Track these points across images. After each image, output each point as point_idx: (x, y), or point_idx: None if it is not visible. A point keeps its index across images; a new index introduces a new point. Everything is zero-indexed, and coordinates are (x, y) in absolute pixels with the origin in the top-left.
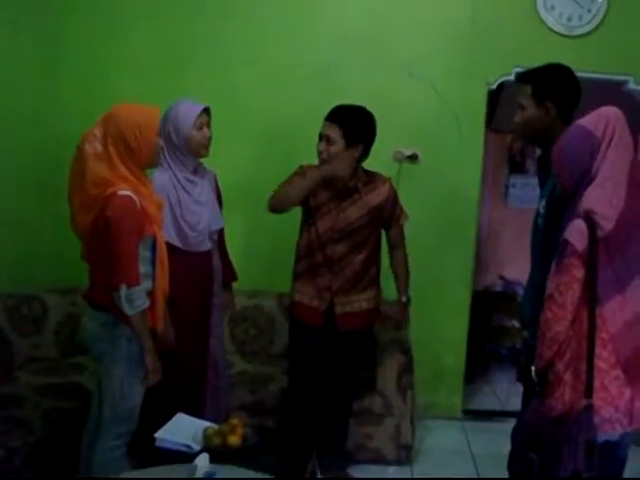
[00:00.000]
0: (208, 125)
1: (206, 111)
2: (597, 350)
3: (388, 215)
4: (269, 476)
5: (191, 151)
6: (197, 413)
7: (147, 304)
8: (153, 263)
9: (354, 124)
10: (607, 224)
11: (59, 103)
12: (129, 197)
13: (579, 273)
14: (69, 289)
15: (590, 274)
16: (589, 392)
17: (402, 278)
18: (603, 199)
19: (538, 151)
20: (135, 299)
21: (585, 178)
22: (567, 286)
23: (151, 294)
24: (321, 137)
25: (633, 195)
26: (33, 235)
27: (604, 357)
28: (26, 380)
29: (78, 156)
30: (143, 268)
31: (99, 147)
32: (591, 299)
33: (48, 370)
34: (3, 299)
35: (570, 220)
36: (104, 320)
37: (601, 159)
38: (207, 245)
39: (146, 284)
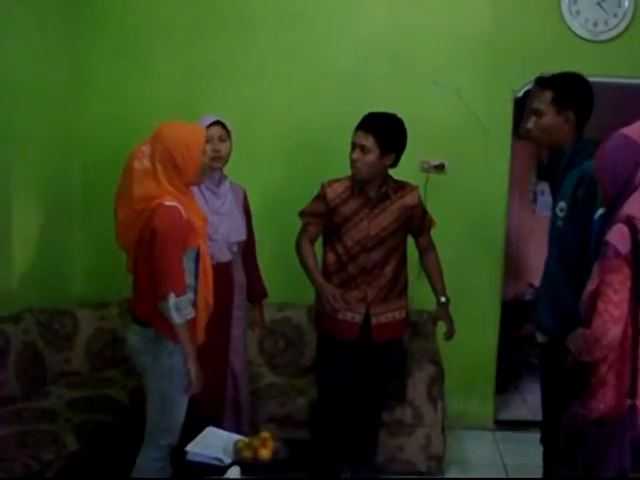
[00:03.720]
0: (221, 139)
1: (219, 124)
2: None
3: (418, 222)
4: None
5: None
6: (214, 427)
7: (194, 314)
8: (196, 276)
9: (388, 132)
10: None
11: (85, 122)
12: (175, 208)
13: (629, 273)
14: (99, 304)
15: (633, 276)
16: (633, 393)
17: (438, 279)
18: None
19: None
20: (183, 308)
21: (628, 186)
22: (622, 284)
23: (193, 306)
24: (354, 146)
25: None
26: (62, 252)
27: None
28: (58, 394)
29: (126, 173)
30: (187, 280)
31: (147, 164)
32: (635, 301)
33: (79, 384)
34: (35, 314)
35: (611, 224)
36: (146, 335)
37: None
38: (226, 256)
39: (190, 295)
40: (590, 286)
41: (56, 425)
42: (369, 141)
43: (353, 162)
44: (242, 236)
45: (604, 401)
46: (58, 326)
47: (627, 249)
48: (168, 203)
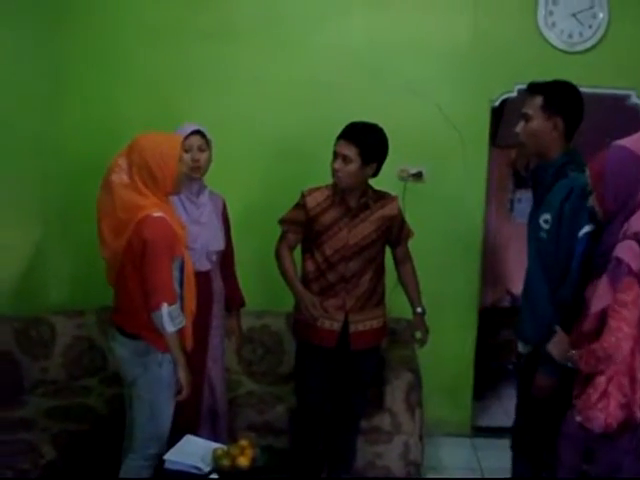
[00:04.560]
0: (201, 149)
1: (199, 134)
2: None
3: (396, 232)
4: None
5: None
6: (191, 435)
7: (185, 322)
8: (180, 284)
9: (370, 143)
10: None
11: (63, 128)
12: (163, 219)
13: (639, 290)
14: (76, 312)
15: None
16: None
17: (414, 290)
18: None
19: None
20: (175, 317)
21: (630, 201)
22: (634, 303)
23: None
24: (336, 155)
25: None
26: (38, 259)
27: None
28: (35, 403)
29: (105, 186)
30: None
31: (125, 178)
32: None
33: (57, 393)
34: (11, 322)
35: (614, 240)
36: (135, 347)
37: None
38: (205, 265)
39: (179, 303)
40: (599, 303)
41: (33, 434)
42: (351, 151)
43: (335, 171)
44: (221, 246)
45: (607, 412)
46: (35, 334)
47: (638, 266)
48: (155, 214)
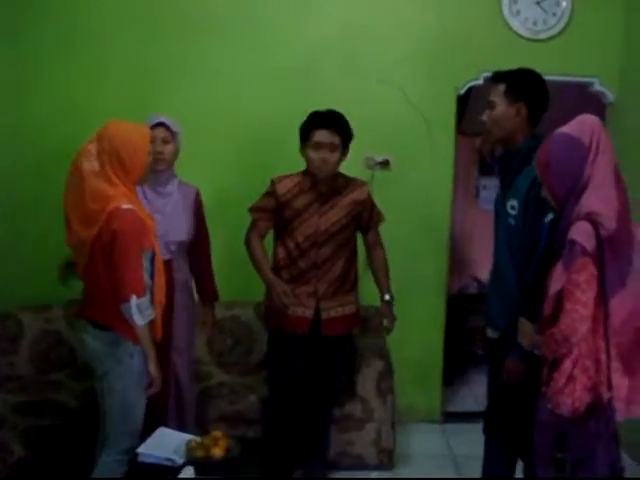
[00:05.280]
0: (164, 140)
1: (163, 126)
2: (603, 344)
3: (367, 217)
4: None
5: None
6: (157, 426)
7: (154, 314)
8: (151, 275)
9: (347, 129)
10: (610, 223)
11: (34, 118)
12: (133, 211)
13: (595, 271)
14: (42, 306)
15: (600, 272)
16: (610, 385)
17: (384, 276)
18: (603, 201)
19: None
20: (144, 309)
21: (577, 184)
22: (588, 284)
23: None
24: (320, 145)
25: (619, 193)
26: (3, 253)
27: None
28: (2, 399)
29: (74, 172)
30: (145, 280)
31: (96, 165)
32: (603, 296)
33: (24, 388)
34: None
35: (568, 223)
36: (107, 339)
37: (592, 164)
38: (164, 255)
39: (148, 295)
40: (555, 286)
41: (2, 432)
42: (336, 139)
43: (322, 161)
44: (182, 236)
45: (573, 396)
46: (1, 330)
47: (592, 246)
48: (125, 206)
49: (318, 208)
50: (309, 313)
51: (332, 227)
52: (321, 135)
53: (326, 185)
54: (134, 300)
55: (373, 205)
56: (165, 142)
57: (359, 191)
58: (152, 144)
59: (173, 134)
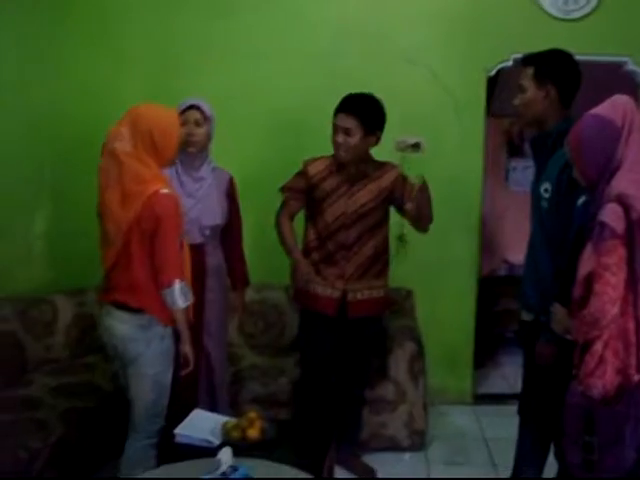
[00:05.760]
0: (197, 123)
1: (196, 109)
2: (633, 326)
3: (400, 193)
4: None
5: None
6: (190, 409)
7: (193, 298)
8: None
9: (370, 113)
10: None
11: (57, 104)
12: (172, 195)
13: (624, 254)
14: (76, 290)
15: (630, 254)
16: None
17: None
18: (634, 183)
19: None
20: (187, 292)
21: (609, 165)
22: (618, 267)
23: None
24: (336, 129)
25: None
26: (36, 240)
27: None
28: (41, 382)
29: (108, 154)
30: None
31: (129, 147)
32: (633, 278)
33: (61, 371)
34: (13, 303)
35: (599, 205)
36: (140, 322)
37: (624, 146)
38: (197, 239)
39: None
40: (584, 268)
41: (41, 413)
42: (352, 123)
43: (337, 145)
44: (216, 220)
45: (604, 378)
46: (37, 314)
47: (622, 228)
48: (164, 191)
49: (347, 190)
50: (336, 294)
51: (361, 209)
52: (338, 119)
53: (354, 167)
54: (177, 284)
55: (405, 182)
56: (197, 125)
57: (388, 175)
58: (184, 126)
59: (206, 117)
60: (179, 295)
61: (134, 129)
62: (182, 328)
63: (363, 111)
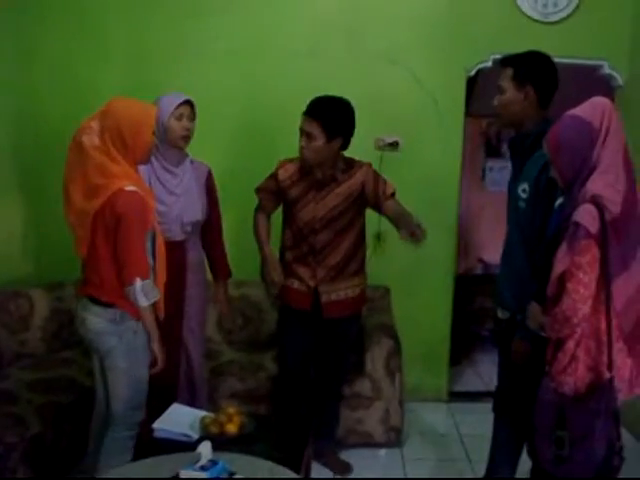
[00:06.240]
0: (190, 119)
1: (189, 104)
2: (605, 326)
3: (372, 193)
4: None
5: (169, 141)
6: (169, 403)
7: (159, 295)
8: (153, 255)
9: (333, 118)
10: (615, 207)
11: (36, 99)
12: (136, 192)
13: (598, 254)
14: (54, 284)
15: (603, 255)
16: (610, 365)
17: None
18: (609, 185)
19: (512, 133)
20: (149, 290)
21: (585, 166)
22: (590, 265)
23: None
24: (302, 132)
25: (627, 177)
26: (13, 232)
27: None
28: (17, 377)
29: (75, 147)
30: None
31: (96, 140)
32: (606, 278)
33: (37, 365)
34: None
35: (574, 205)
36: (111, 316)
37: (601, 147)
38: (178, 235)
39: (151, 275)
40: (558, 267)
41: (18, 407)
42: (314, 128)
43: (300, 148)
44: (197, 216)
45: (575, 375)
46: (13, 308)
47: (596, 228)
48: (128, 188)
49: (314, 195)
50: (309, 292)
51: (329, 213)
52: (303, 122)
53: (321, 172)
54: (139, 282)
55: (377, 180)
56: (190, 120)
57: (357, 176)
58: (180, 121)
59: (195, 113)
60: (140, 293)
61: (103, 123)
62: (149, 326)
63: (326, 115)
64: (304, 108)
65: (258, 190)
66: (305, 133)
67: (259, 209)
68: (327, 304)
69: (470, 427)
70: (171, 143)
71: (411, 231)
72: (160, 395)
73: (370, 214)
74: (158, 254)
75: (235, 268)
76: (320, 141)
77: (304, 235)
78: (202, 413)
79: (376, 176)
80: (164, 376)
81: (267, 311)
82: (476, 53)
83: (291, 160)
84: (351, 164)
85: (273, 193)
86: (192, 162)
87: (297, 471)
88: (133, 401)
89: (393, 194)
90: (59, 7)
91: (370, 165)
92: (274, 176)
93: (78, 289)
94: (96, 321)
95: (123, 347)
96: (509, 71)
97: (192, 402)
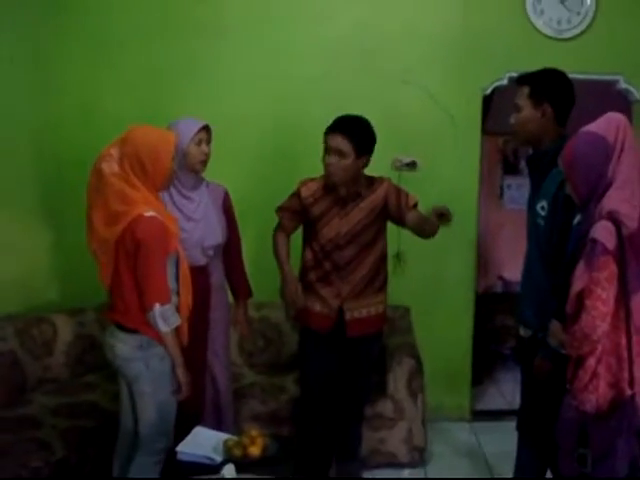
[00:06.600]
0: (208, 143)
1: (206, 129)
2: (625, 342)
3: (395, 206)
4: None
5: (187, 166)
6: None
7: (179, 321)
8: (177, 278)
9: (362, 135)
10: (632, 223)
11: (56, 125)
12: (155, 218)
13: (615, 270)
14: (76, 309)
15: (621, 271)
16: (632, 382)
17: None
18: (625, 200)
19: (530, 151)
20: (169, 316)
21: (601, 182)
22: (609, 282)
23: (177, 309)
24: (329, 150)
25: None
26: (36, 258)
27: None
28: (40, 402)
29: (95, 174)
30: (170, 284)
31: (115, 167)
32: (624, 294)
33: (61, 391)
34: (13, 321)
35: (591, 222)
36: (137, 342)
37: (616, 163)
38: (201, 260)
39: (174, 300)
40: (577, 285)
41: (42, 432)
42: (345, 145)
43: (327, 166)
44: (218, 240)
45: (597, 393)
46: (37, 333)
47: (614, 245)
48: (147, 214)
49: (339, 211)
50: (333, 313)
51: (354, 228)
52: (330, 139)
53: (345, 189)
54: (158, 308)
55: (399, 192)
56: (207, 144)
57: (378, 191)
58: (200, 146)
59: (211, 138)
60: (160, 319)
61: (124, 151)
62: (172, 352)
63: (355, 133)
64: (319, 129)
65: (280, 209)
66: (334, 150)
67: (279, 229)
68: (351, 322)
69: (494, 446)
70: (189, 168)
71: (439, 212)
72: (186, 421)
73: (390, 234)
74: (182, 278)
75: (256, 290)
76: (350, 158)
77: (327, 252)
78: (225, 436)
79: (397, 189)
80: (190, 402)
81: (288, 333)
82: (492, 71)
83: (312, 179)
84: (371, 181)
85: (295, 212)
86: (208, 185)
87: None
88: (160, 426)
89: (415, 205)
90: (78, 37)
91: (390, 180)
92: (296, 194)
93: (105, 315)
94: (123, 347)
95: (150, 373)
96: (526, 89)
97: (219, 427)
